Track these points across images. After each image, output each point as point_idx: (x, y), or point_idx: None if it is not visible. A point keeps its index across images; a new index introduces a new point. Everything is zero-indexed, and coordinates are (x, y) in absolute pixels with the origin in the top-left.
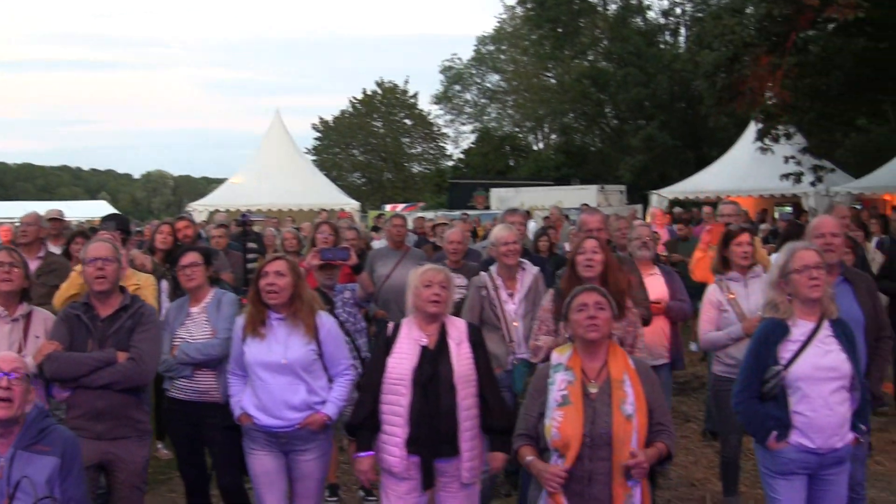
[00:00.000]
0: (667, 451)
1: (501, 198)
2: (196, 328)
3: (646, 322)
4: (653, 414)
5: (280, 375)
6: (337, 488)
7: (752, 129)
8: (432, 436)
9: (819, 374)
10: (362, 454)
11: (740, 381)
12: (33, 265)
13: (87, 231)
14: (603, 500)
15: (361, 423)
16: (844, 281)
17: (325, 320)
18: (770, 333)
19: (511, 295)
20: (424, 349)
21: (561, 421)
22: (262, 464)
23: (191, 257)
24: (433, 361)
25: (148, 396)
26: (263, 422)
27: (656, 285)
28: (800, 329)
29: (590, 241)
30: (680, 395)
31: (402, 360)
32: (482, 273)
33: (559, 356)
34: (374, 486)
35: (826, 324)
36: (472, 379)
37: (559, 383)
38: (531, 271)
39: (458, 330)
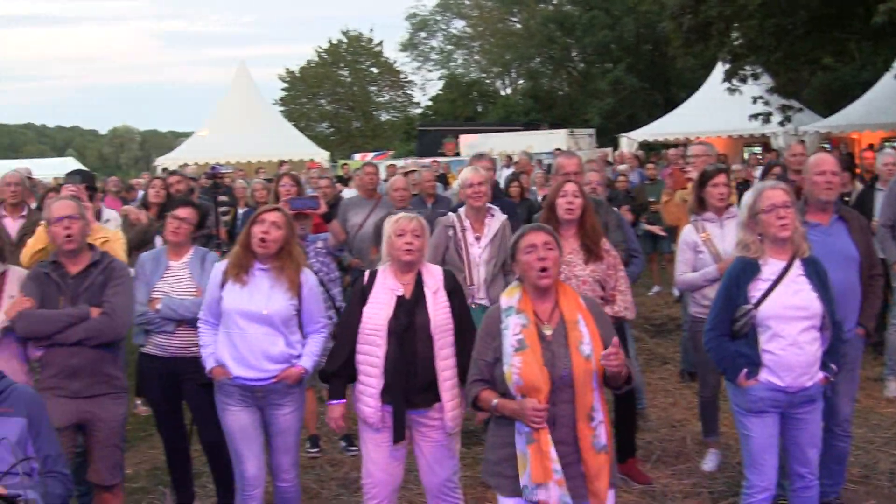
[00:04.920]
0: (628, 371)
1: (471, 144)
2: (178, 283)
3: (626, 263)
4: None
5: (259, 325)
6: (318, 440)
7: (720, 69)
8: (407, 387)
9: (788, 312)
10: (334, 402)
11: (711, 319)
12: (17, 224)
13: (59, 188)
14: (569, 443)
15: (336, 371)
16: (839, 219)
17: (309, 278)
18: (741, 273)
19: (477, 238)
20: (400, 299)
21: (521, 366)
22: (239, 419)
23: (186, 212)
24: (409, 311)
25: (123, 353)
26: (240, 374)
27: None
28: (770, 268)
29: (570, 184)
30: (656, 336)
31: (377, 310)
32: (450, 213)
33: (508, 299)
34: (355, 437)
35: (797, 263)
36: (449, 328)
37: (513, 327)
38: (499, 218)
39: (434, 278)
